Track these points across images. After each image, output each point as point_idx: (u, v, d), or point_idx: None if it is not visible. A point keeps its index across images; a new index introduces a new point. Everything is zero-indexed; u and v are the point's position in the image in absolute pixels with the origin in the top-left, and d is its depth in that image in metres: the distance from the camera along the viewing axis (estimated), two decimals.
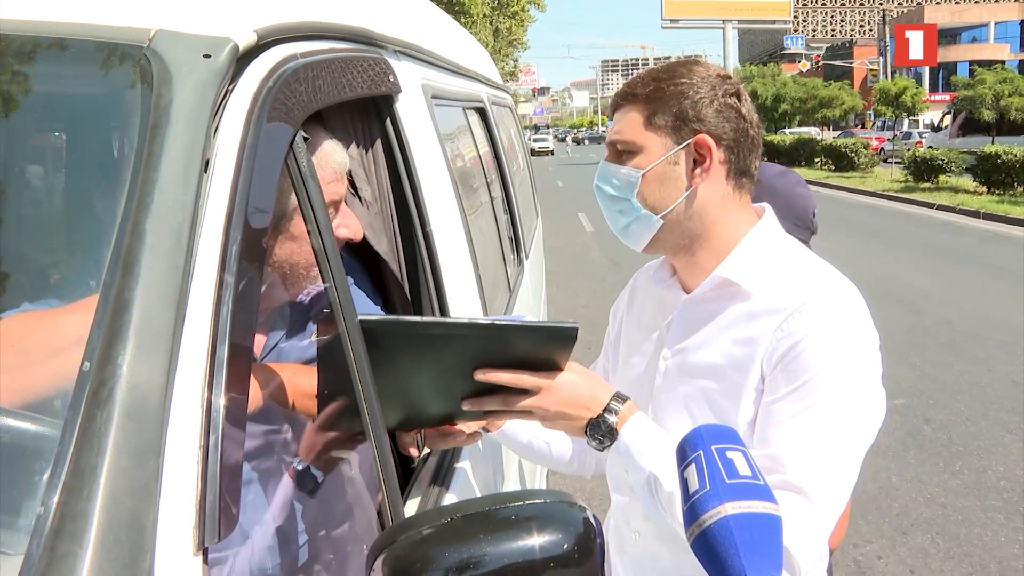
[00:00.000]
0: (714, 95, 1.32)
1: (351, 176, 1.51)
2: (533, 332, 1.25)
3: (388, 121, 1.63)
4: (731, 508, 1.02)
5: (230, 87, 1.06)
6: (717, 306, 1.36)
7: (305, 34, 1.29)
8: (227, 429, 0.83)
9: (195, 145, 0.96)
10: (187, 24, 1.08)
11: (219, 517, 0.79)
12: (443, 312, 1.67)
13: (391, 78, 1.60)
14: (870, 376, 1.27)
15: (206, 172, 0.96)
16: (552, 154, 56.76)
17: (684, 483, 1.10)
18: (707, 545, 1.03)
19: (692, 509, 1.06)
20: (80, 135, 1.02)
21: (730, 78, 1.37)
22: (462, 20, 30.44)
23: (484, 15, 33.10)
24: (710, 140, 1.31)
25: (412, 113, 1.76)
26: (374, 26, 1.59)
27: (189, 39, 1.06)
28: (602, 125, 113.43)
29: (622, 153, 1.36)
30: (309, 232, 1.16)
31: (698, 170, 1.32)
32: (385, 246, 1.57)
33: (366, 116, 1.58)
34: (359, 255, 1.63)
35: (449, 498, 1.45)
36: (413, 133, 1.71)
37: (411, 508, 1.37)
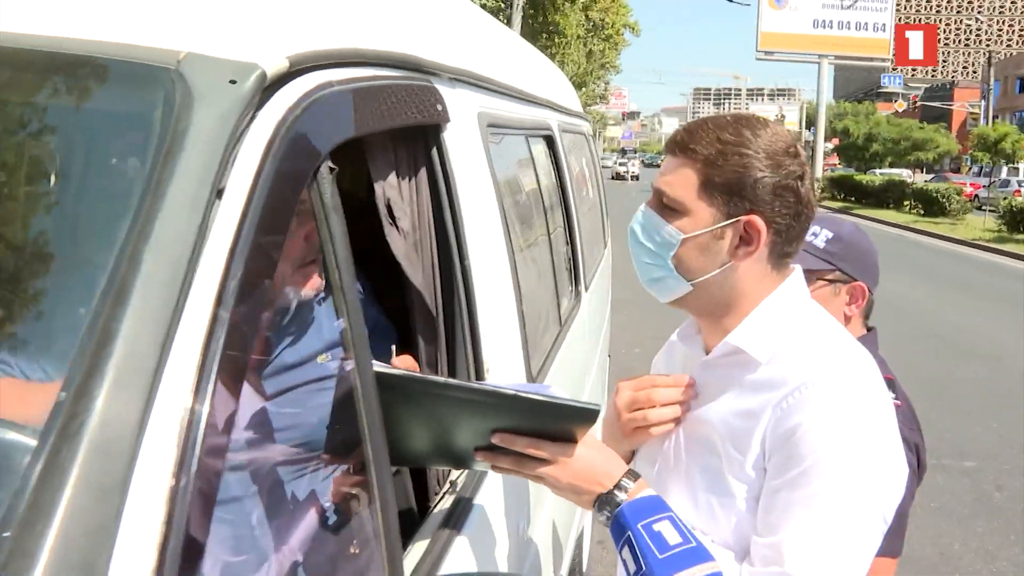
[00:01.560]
0: (776, 174, 1.23)
1: (389, 205, 1.49)
2: (555, 408, 1.24)
3: (435, 151, 1.60)
4: None
5: (255, 114, 1.04)
6: (728, 373, 1.30)
7: (346, 60, 1.27)
8: (202, 470, 0.81)
9: (207, 174, 0.94)
10: (219, 48, 1.07)
11: (180, 561, 0.76)
12: (475, 348, 1.63)
13: (439, 107, 1.58)
14: (880, 458, 1.19)
15: (219, 200, 0.94)
16: (637, 179, 56.38)
17: (624, 565, 1.13)
18: None
19: None
20: (96, 156, 1.01)
21: (798, 155, 1.27)
22: (556, 41, 30.58)
23: (578, 36, 33.21)
24: (761, 223, 1.23)
25: (462, 143, 1.74)
26: (424, 53, 1.57)
27: (217, 63, 1.05)
28: None
29: (666, 207, 1.28)
30: (326, 267, 1.14)
31: (741, 249, 1.25)
32: (420, 278, 1.54)
33: (411, 144, 1.56)
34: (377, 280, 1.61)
35: (460, 543, 1.41)
36: (461, 164, 1.69)
37: (418, 552, 1.34)
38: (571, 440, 1.28)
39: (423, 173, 1.60)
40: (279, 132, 1.05)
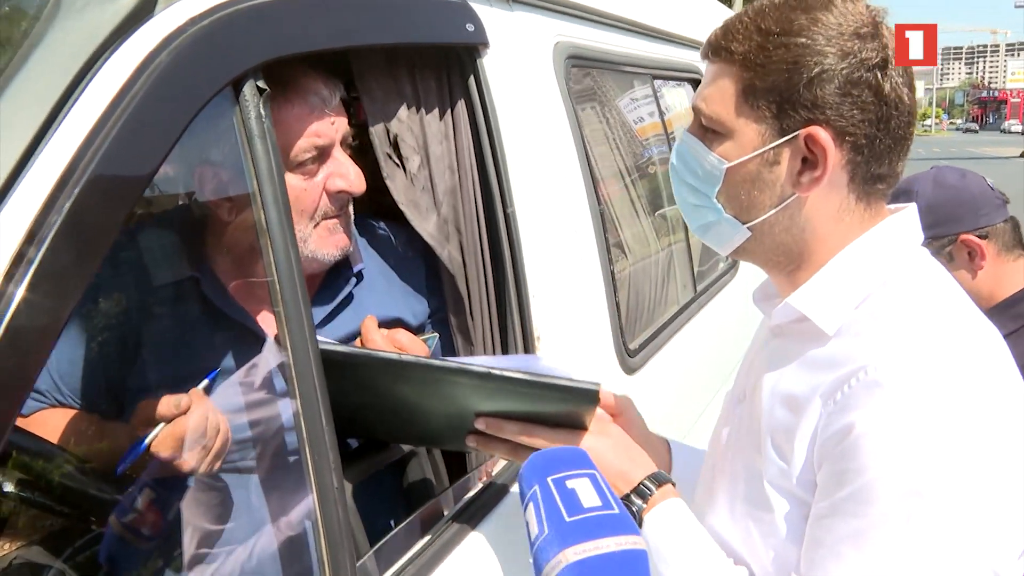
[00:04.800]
0: (843, 65, 0.89)
1: (396, 143, 1.29)
2: (542, 388, 1.02)
3: (472, 80, 1.38)
4: (572, 554, 0.86)
5: (137, 26, 0.88)
6: (794, 345, 0.97)
7: None
8: None
9: (45, 98, 0.80)
10: None
11: None
12: (522, 313, 1.40)
13: (469, 26, 1.35)
14: (979, 480, 0.81)
15: (55, 130, 0.79)
16: None
17: (527, 527, 0.93)
18: None
19: (535, 560, 0.89)
20: None
21: (877, 35, 0.92)
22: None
23: None
24: (825, 136, 0.90)
25: (519, 74, 1.50)
26: None
27: None
28: (936, 119, 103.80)
29: (708, 131, 0.97)
30: (255, 212, 0.96)
31: (806, 176, 0.92)
32: (432, 227, 1.32)
33: (432, 71, 1.34)
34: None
35: (482, 532, 1.21)
36: (513, 98, 1.46)
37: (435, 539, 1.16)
38: (580, 427, 1.06)
39: (461, 107, 1.38)
40: (168, 46, 0.88)
